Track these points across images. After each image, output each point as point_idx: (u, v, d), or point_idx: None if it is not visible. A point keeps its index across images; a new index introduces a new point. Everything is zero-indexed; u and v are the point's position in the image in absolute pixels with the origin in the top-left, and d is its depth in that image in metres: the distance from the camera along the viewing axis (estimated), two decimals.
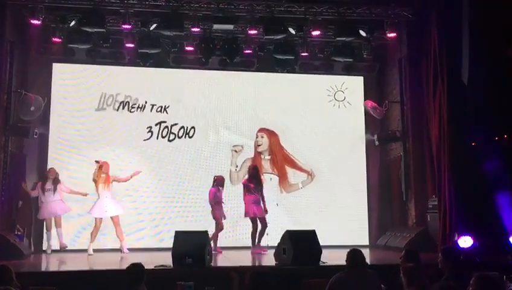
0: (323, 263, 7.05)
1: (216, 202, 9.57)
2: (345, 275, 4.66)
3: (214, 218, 9.57)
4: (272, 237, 9.22)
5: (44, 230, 9.68)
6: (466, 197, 8.38)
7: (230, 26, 10.01)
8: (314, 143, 11.39)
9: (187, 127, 11.09)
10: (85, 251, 9.07)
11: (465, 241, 8.14)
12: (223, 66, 11.06)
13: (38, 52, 10.32)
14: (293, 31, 10.09)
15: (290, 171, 11.39)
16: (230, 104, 11.31)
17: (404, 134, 10.69)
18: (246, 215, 9.46)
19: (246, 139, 11.29)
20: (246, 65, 11.24)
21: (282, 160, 11.40)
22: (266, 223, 9.43)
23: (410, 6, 10.05)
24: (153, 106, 11.00)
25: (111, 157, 9.95)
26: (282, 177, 11.33)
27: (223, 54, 10.65)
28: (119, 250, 9.22)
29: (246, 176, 10.11)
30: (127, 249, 9.21)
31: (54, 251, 9.38)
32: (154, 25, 9.67)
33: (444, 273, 4.73)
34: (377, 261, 8.36)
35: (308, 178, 11.39)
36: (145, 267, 4.84)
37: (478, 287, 3.58)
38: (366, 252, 5.22)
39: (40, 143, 10.36)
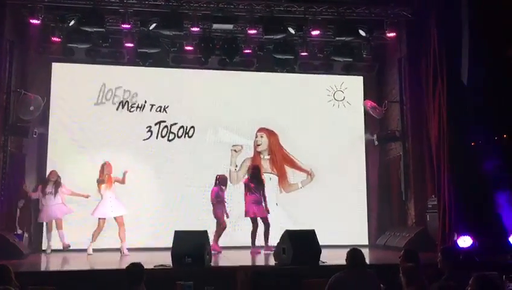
0: (323, 262, 7.05)
1: (218, 201, 9.58)
2: (344, 274, 4.66)
3: (215, 217, 9.57)
4: (272, 237, 9.22)
5: (45, 231, 9.69)
6: (465, 197, 8.38)
7: (229, 26, 10.00)
8: (313, 143, 11.38)
9: (187, 127, 11.10)
10: (84, 250, 9.06)
11: (465, 241, 8.14)
12: (223, 65, 11.06)
13: (37, 51, 10.32)
14: (292, 31, 10.09)
15: (289, 171, 11.40)
16: (229, 104, 11.31)
17: (403, 134, 10.69)
18: (246, 214, 9.48)
19: (245, 138, 11.29)
20: (246, 65, 11.24)
21: (281, 160, 11.40)
22: (268, 223, 9.42)
23: (409, 6, 10.06)
24: (152, 105, 11.01)
25: (110, 157, 9.91)
26: (282, 177, 11.33)
27: (223, 54, 10.65)
28: (119, 250, 9.20)
29: (247, 176, 10.13)
30: (127, 249, 9.19)
31: (53, 251, 9.39)
32: (154, 25, 9.66)
33: (444, 273, 4.73)
34: (376, 261, 8.37)
35: (307, 178, 11.39)
36: (145, 267, 4.83)
37: (477, 287, 3.58)
38: (365, 252, 5.21)
39: (40, 143, 10.36)
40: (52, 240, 9.48)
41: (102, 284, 6.09)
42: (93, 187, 9.29)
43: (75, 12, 9.53)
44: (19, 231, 9.44)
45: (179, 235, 7.13)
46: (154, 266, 6.67)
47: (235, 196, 10.35)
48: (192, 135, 11.10)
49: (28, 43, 10.15)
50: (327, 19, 10.22)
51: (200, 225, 8.77)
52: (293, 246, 6.97)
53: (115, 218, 9.14)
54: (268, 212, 9.50)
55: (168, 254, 6.98)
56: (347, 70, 11.57)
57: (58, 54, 10.41)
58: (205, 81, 11.29)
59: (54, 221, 9.45)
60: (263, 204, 9.48)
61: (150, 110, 10.98)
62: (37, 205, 9.71)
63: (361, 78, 11.86)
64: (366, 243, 10.96)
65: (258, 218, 9.48)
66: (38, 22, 9.35)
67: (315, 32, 10.20)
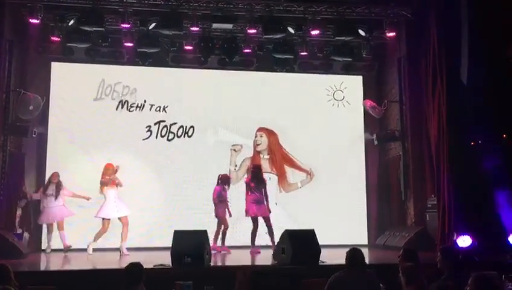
0: (322, 262, 7.05)
1: (220, 201, 9.58)
2: (344, 274, 4.65)
3: (216, 216, 9.57)
4: None
5: (45, 231, 9.67)
6: (465, 197, 8.39)
7: (229, 26, 10.01)
8: (313, 142, 11.38)
9: (186, 127, 11.10)
10: (84, 250, 9.05)
11: (464, 241, 8.14)
12: (222, 65, 11.06)
13: (37, 51, 10.32)
14: (292, 31, 10.09)
15: (289, 170, 11.40)
16: (229, 103, 11.31)
17: (403, 133, 10.69)
18: (246, 214, 9.45)
19: (245, 138, 11.30)
20: (245, 64, 11.24)
21: (281, 159, 11.40)
22: (270, 222, 9.39)
23: (409, 5, 10.06)
24: (152, 105, 11.01)
25: (110, 157, 9.91)
26: (281, 177, 11.33)
27: (222, 53, 10.66)
28: (118, 250, 9.18)
29: (248, 175, 10.12)
30: (126, 249, 9.18)
31: (53, 250, 9.38)
32: (153, 24, 9.66)
33: (443, 273, 4.72)
34: (376, 261, 8.37)
35: (307, 177, 11.39)
36: (144, 267, 4.82)
37: (476, 287, 3.57)
38: (365, 252, 5.20)
39: (39, 142, 10.36)
40: (53, 241, 9.47)
41: (102, 284, 6.09)
42: (92, 186, 9.30)
43: (74, 11, 9.54)
44: (19, 231, 9.44)
45: (179, 235, 7.13)
46: (154, 266, 6.67)
47: (235, 195, 10.33)
48: (191, 134, 11.10)
49: (27, 43, 10.15)
50: (327, 18, 10.22)
51: (199, 224, 8.75)
52: (293, 246, 6.97)
53: (119, 218, 9.12)
54: (270, 211, 9.47)
55: (168, 254, 6.97)
56: (347, 70, 11.57)
57: (58, 54, 10.42)
58: (205, 80, 11.29)
59: (55, 222, 9.42)
60: (265, 203, 9.41)
61: (150, 109, 10.99)
62: (37, 205, 9.69)
63: (360, 77, 11.86)
64: (366, 242, 10.97)
65: (259, 218, 9.45)
66: (38, 21, 9.35)
67: (315, 32, 10.19)
